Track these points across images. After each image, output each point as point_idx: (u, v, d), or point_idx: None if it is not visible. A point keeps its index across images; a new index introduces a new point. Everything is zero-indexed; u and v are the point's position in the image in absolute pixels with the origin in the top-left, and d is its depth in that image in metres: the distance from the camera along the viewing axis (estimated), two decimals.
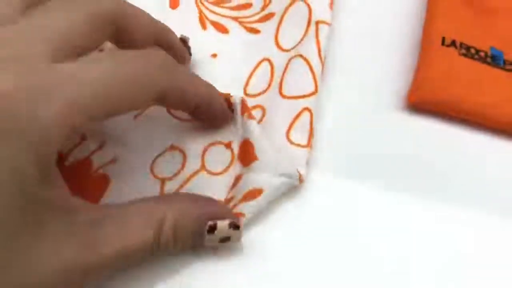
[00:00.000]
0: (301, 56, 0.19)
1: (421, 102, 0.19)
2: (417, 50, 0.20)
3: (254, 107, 0.19)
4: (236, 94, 0.18)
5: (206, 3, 0.21)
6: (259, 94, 0.19)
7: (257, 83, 0.19)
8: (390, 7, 0.22)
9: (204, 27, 0.21)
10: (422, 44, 0.20)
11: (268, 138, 0.18)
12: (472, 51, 0.19)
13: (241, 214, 0.16)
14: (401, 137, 0.19)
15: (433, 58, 0.19)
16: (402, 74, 0.20)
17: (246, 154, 0.17)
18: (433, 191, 0.18)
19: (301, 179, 0.17)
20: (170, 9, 0.21)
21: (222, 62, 0.20)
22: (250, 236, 0.17)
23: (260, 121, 0.18)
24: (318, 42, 0.19)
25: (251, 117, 0.17)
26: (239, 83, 0.19)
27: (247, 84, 0.19)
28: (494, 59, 0.19)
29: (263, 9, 0.21)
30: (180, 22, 0.20)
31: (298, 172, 0.17)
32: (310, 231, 0.17)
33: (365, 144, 0.19)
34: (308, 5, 0.20)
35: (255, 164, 0.17)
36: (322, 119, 0.19)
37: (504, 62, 0.19)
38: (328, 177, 0.18)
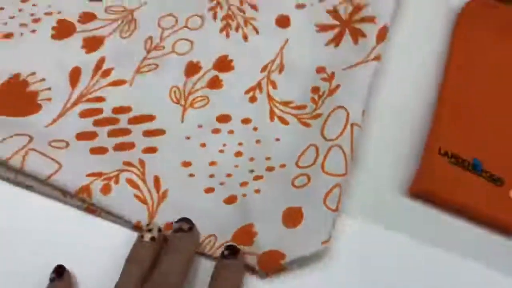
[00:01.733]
0: (339, 146, 0.27)
1: (418, 194, 0.27)
2: (420, 151, 0.28)
3: (302, 174, 0.27)
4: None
5: (275, 103, 0.30)
6: (307, 166, 0.27)
7: (306, 160, 0.28)
8: (401, 116, 0.30)
9: (272, 119, 0.29)
10: (425, 148, 0.28)
11: (309, 201, 0.26)
12: (459, 160, 0.27)
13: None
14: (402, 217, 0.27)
15: (430, 163, 0.27)
16: (408, 166, 0.28)
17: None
18: None
19: (326, 242, 0.25)
20: (249, 103, 0.30)
21: (283, 144, 0.29)
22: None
23: (305, 185, 0.26)
24: (352, 139, 0.28)
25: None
26: (292, 159, 0.28)
27: (298, 159, 0.28)
28: (474, 168, 0.27)
29: (314, 110, 0.30)
30: (255, 113, 0.29)
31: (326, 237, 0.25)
32: None
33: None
34: (347, 111, 0.29)
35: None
36: (347, 194, 0.27)
37: (482, 170, 0.27)
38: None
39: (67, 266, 0.25)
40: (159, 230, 0.25)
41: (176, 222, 0.25)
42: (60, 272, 0.25)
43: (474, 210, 0.26)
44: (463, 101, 0.30)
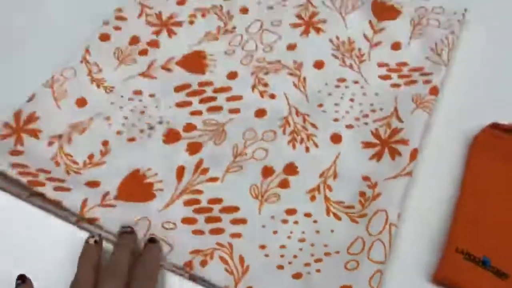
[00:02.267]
0: (380, 240, 0.36)
1: (439, 282, 0.36)
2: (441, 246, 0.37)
3: (352, 260, 0.36)
4: None
5: (331, 202, 0.40)
6: (356, 254, 0.36)
7: (355, 248, 0.37)
8: (427, 217, 0.39)
9: (328, 214, 0.39)
10: (445, 246, 0.37)
11: (357, 281, 0.34)
12: (471, 257, 0.36)
13: None
14: None
15: (450, 258, 0.36)
16: (432, 258, 0.37)
17: None
18: None
19: None
20: (310, 201, 0.40)
21: (337, 234, 0.38)
22: None
23: (355, 268, 0.35)
24: (390, 236, 0.36)
25: None
26: (345, 247, 0.37)
27: (349, 248, 0.37)
28: (484, 264, 0.35)
29: (361, 210, 0.39)
30: (315, 209, 0.39)
31: None
32: None
33: None
34: (386, 214, 0.38)
35: None
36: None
37: (490, 266, 0.35)
38: None
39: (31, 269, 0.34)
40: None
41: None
42: (23, 278, 0.33)
43: None
44: (475, 210, 0.39)
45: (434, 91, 0.45)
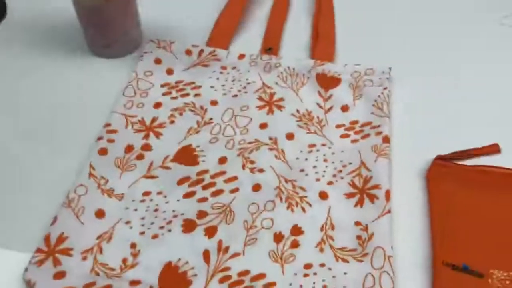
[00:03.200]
0: (385, 272, 0.45)
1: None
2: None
3: None
4: None
5: (336, 250, 0.48)
6: (371, 287, 0.44)
7: (368, 283, 0.45)
8: (414, 239, 0.49)
9: (337, 260, 0.47)
10: (433, 262, 0.46)
11: None
12: (454, 266, 0.46)
13: None
14: None
15: (439, 271, 0.45)
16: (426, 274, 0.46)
17: None
18: None
19: None
20: (320, 253, 0.48)
21: (350, 275, 0.46)
22: None
23: None
24: (391, 266, 0.45)
25: None
26: (359, 284, 0.45)
27: (363, 283, 0.45)
28: (464, 269, 0.45)
29: (362, 251, 0.47)
30: (326, 259, 0.47)
31: None
32: None
33: None
34: (383, 249, 0.47)
35: None
36: None
37: (471, 271, 0.45)
38: None
39: None
40: None
41: None
42: None
43: None
44: (447, 227, 0.49)
45: (386, 139, 0.56)
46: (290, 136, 0.58)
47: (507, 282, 0.45)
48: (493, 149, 0.56)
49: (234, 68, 0.65)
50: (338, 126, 0.59)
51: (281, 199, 0.52)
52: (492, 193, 0.52)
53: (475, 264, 0.46)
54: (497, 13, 0.74)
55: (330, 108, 0.61)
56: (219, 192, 0.52)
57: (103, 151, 0.55)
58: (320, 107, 0.61)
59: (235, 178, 0.54)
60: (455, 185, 0.53)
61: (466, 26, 0.72)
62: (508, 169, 0.54)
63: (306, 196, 0.52)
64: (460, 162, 0.55)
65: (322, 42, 0.68)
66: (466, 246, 0.48)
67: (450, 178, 0.53)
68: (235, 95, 0.62)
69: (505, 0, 0.76)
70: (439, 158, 0.55)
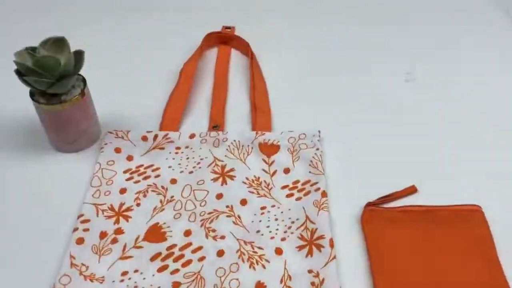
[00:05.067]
0: None
1: None
2: None
3: None
4: None
5: None
6: None
7: None
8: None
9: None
10: None
11: None
12: None
13: None
14: None
15: None
16: None
17: None
18: None
19: None
20: None
21: None
22: None
23: None
24: None
25: None
26: None
27: None
28: None
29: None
30: None
31: None
32: None
33: None
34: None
35: None
36: None
37: None
38: None
39: None
40: None
41: None
42: None
43: None
44: (387, 267, 0.59)
45: (324, 194, 0.66)
46: (243, 202, 0.67)
47: None
48: (411, 190, 0.68)
49: (187, 147, 0.74)
50: (283, 187, 0.68)
51: (243, 260, 0.60)
52: (416, 227, 0.63)
53: None
54: (401, 69, 0.88)
55: (275, 172, 0.70)
56: (188, 262, 0.60)
57: (80, 241, 0.61)
58: (266, 172, 0.70)
59: (201, 247, 0.61)
60: (385, 225, 0.63)
61: (378, 86, 0.85)
62: (425, 206, 0.65)
63: (264, 254, 0.61)
64: (387, 205, 0.66)
65: (260, 116, 0.79)
66: (404, 280, 0.57)
67: (380, 220, 0.64)
68: (191, 172, 0.70)
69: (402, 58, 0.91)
70: (369, 204, 0.65)
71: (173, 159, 0.72)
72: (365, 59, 0.90)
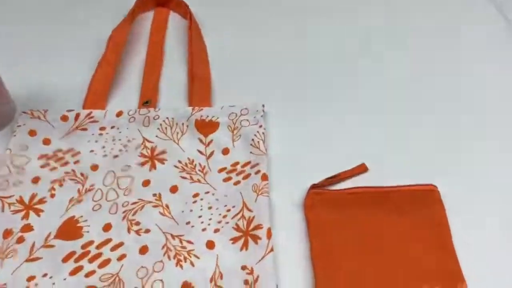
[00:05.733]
0: None
1: None
2: None
3: None
4: None
5: None
6: None
7: None
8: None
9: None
10: None
11: None
12: None
13: None
14: None
15: None
16: None
17: None
18: None
19: None
20: None
21: None
22: None
23: None
24: None
25: None
26: None
27: None
28: None
29: None
30: None
31: None
32: None
33: None
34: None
35: None
36: None
37: None
38: None
39: None
40: None
41: None
42: None
43: None
44: (329, 261, 0.52)
45: (265, 177, 0.59)
46: (174, 189, 0.59)
47: None
48: (361, 169, 0.61)
49: (113, 127, 0.65)
50: (220, 170, 0.61)
51: (169, 257, 0.53)
52: (365, 211, 0.56)
53: None
54: (355, 42, 0.80)
55: (212, 153, 0.62)
56: (106, 262, 0.52)
57: None
58: (202, 153, 0.62)
59: (121, 244, 0.54)
60: (331, 210, 0.56)
61: (336, 64, 0.76)
62: (376, 187, 0.58)
63: (193, 249, 0.53)
64: (334, 187, 0.59)
65: (199, 88, 0.70)
66: (348, 275, 0.51)
67: (325, 204, 0.57)
68: (116, 156, 0.62)
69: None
70: (314, 186, 0.58)
71: (96, 141, 0.63)
72: (319, 29, 0.81)
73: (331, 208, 0.56)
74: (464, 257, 0.53)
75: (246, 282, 0.50)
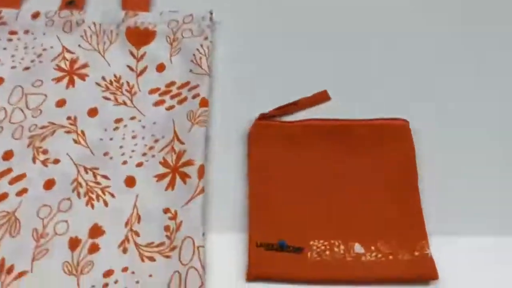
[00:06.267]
0: (193, 267, 0.40)
1: (253, 280, 0.40)
2: None
3: None
4: None
5: (141, 247, 0.41)
6: None
7: (174, 284, 0.39)
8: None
9: (143, 260, 0.41)
10: (248, 244, 0.41)
11: None
12: (269, 245, 0.41)
13: None
14: None
15: (253, 254, 0.41)
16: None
17: None
18: None
19: None
20: (124, 254, 0.41)
21: (156, 278, 0.40)
22: None
23: None
24: (199, 258, 0.40)
25: None
26: (165, 287, 0.39)
27: (169, 285, 0.39)
28: (281, 247, 0.41)
29: (170, 244, 0.41)
30: (130, 261, 0.41)
31: None
32: None
33: None
34: (192, 239, 0.41)
35: None
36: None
37: (287, 247, 0.41)
38: None
39: None
40: None
41: None
42: None
43: (286, 277, 0.40)
44: (264, 200, 0.44)
45: (204, 103, 0.49)
46: (93, 112, 0.49)
47: (327, 252, 0.42)
48: (322, 97, 0.51)
49: (27, 32, 0.53)
50: (152, 92, 0.50)
51: (79, 194, 0.44)
52: (321, 148, 0.47)
53: (293, 239, 0.42)
54: None
55: (144, 69, 0.51)
56: (2, 197, 0.44)
57: None
58: (132, 69, 0.52)
59: (23, 176, 0.45)
60: (279, 145, 0.47)
61: None
62: (336, 120, 0.48)
63: (109, 186, 0.45)
64: (287, 118, 0.50)
65: None
66: (282, 221, 0.43)
67: (273, 138, 0.47)
68: (27, 68, 0.51)
69: None
70: (262, 116, 0.49)
71: (5, 49, 0.52)
72: None
73: (280, 142, 0.47)
74: (430, 209, 0.45)
75: (166, 228, 0.42)
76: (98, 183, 0.45)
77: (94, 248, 0.42)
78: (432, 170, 0.47)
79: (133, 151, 0.47)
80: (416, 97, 0.52)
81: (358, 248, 0.42)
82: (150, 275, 0.40)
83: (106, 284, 0.40)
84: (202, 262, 0.40)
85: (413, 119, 0.49)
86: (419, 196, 0.45)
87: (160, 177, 0.45)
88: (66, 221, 0.43)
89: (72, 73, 0.51)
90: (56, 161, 0.46)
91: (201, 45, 0.52)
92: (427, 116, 0.50)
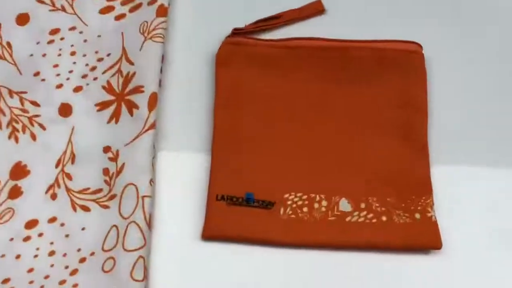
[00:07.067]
0: (134, 222, 0.32)
1: (210, 238, 0.33)
2: None
3: (108, 258, 0.31)
4: None
5: (74, 193, 0.33)
6: (111, 249, 0.31)
7: (110, 242, 0.32)
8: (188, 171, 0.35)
9: (74, 210, 0.33)
10: (207, 197, 0.33)
11: (118, 283, 0.30)
12: (233, 199, 0.33)
13: None
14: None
15: (212, 210, 0.33)
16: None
17: None
18: None
19: None
20: (52, 201, 0.33)
21: (89, 231, 0.32)
22: None
23: (113, 268, 0.31)
24: (144, 211, 0.32)
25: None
26: (99, 244, 0.32)
27: (104, 244, 0.32)
28: (248, 201, 0.33)
29: (109, 192, 0.33)
30: (59, 210, 0.33)
31: None
32: None
33: None
34: (135, 186, 0.33)
35: None
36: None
37: (255, 201, 0.33)
38: None
39: None
40: None
41: None
42: None
43: (251, 238, 0.32)
44: (230, 145, 0.35)
45: (162, 11, 0.38)
46: (23, 19, 0.39)
47: (304, 209, 0.33)
48: (314, 8, 0.40)
49: None
50: None
51: (0, 124, 0.35)
52: (307, 75, 0.37)
53: (262, 192, 0.33)
54: None
55: None
56: None
57: None
58: None
59: None
60: (251, 70, 0.37)
61: None
62: (329, 39, 0.38)
63: (39, 115, 0.36)
64: (267, 36, 0.39)
65: None
66: (251, 171, 0.34)
67: (246, 59, 0.37)
68: None
69: None
70: (236, 32, 0.38)
71: None
72: None
73: (255, 66, 0.37)
74: (438, 157, 0.36)
75: (106, 171, 0.34)
76: (25, 110, 0.36)
77: (16, 192, 0.34)
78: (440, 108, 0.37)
79: (70, 71, 0.37)
80: (431, 16, 0.41)
81: (344, 204, 0.33)
82: (83, 228, 0.33)
83: (28, 237, 0.32)
84: (146, 217, 0.32)
85: (427, 44, 0.38)
86: (427, 142, 0.35)
87: (103, 105, 0.36)
88: None
89: None
90: None
91: None
92: (443, 42, 0.40)
